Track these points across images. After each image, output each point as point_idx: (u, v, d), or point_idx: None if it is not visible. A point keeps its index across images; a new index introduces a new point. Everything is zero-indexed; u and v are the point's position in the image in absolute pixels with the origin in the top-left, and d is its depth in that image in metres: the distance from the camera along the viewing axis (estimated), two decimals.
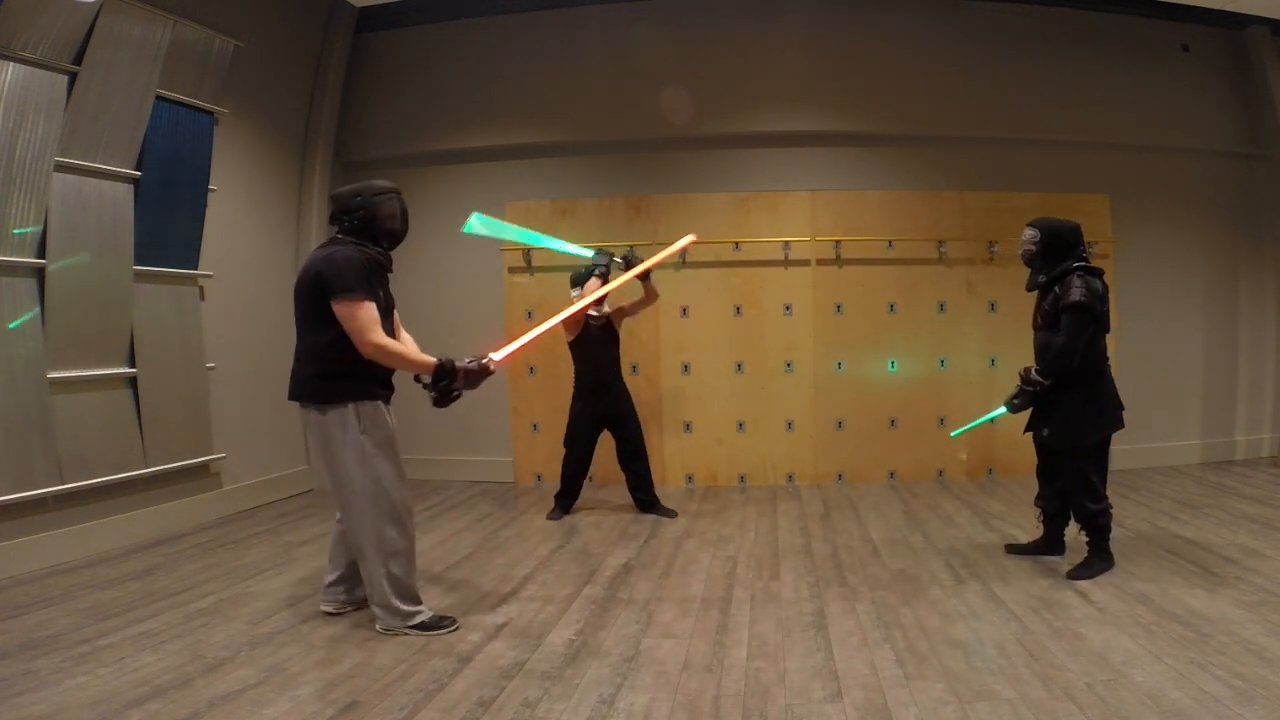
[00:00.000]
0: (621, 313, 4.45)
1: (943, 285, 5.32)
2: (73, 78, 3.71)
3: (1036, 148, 5.39)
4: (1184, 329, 5.58)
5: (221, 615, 2.98)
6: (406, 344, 2.81)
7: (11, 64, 3.47)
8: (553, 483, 4.92)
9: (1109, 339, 3.28)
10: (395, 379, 2.81)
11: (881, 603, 2.99)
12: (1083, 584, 3.10)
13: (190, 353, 4.45)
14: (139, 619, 2.93)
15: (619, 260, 4.22)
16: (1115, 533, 3.33)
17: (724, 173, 5.42)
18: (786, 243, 5.25)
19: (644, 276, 4.20)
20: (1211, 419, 5.64)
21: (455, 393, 2.68)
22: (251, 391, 4.87)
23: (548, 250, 5.21)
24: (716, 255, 5.28)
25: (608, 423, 4.43)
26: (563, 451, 4.50)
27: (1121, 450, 3.36)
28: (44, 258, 3.66)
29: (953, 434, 4.11)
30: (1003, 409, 3.42)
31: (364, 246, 2.70)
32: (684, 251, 5.16)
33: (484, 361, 2.70)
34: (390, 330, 2.76)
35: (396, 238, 2.81)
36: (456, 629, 2.79)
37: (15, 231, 3.54)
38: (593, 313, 4.25)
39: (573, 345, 4.37)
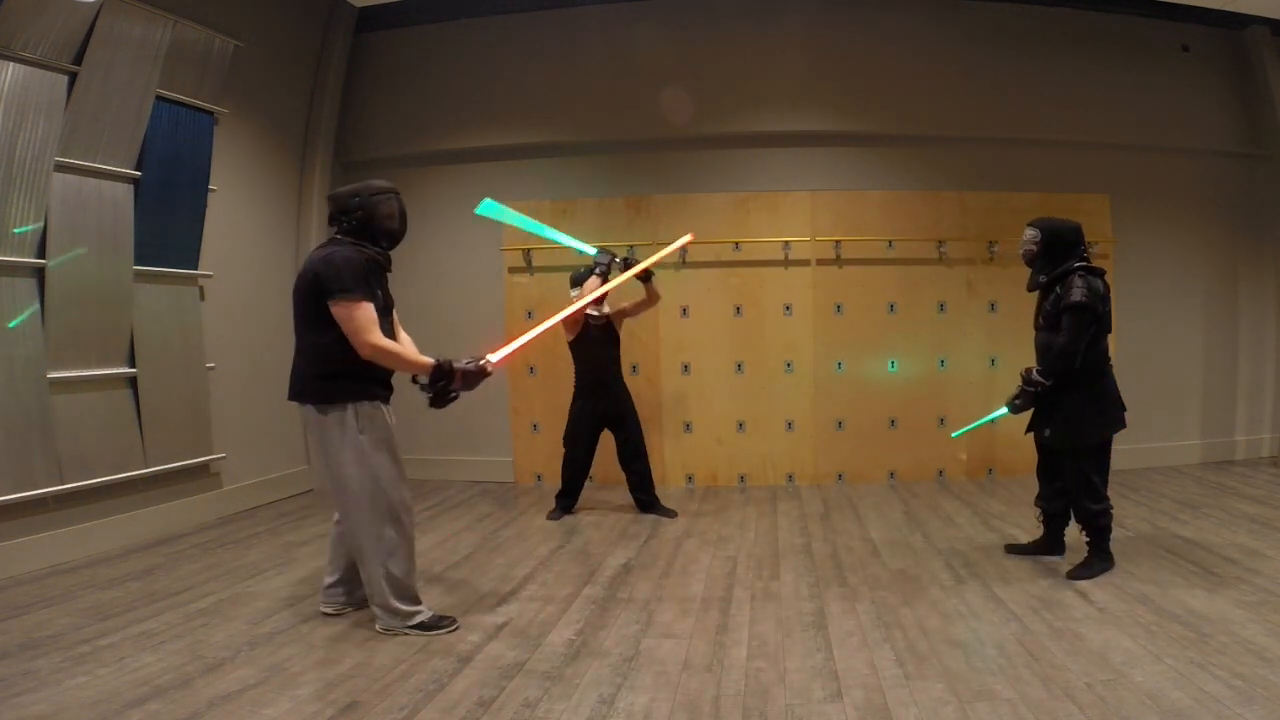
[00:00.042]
0: (623, 314, 4.45)
1: (943, 285, 5.32)
2: (73, 78, 3.71)
3: (1036, 148, 5.39)
4: (1184, 329, 5.58)
5: (221, 615, 2.98)
6: (405, 344, 2.81)
7: (11, 64, 3.47)
8: (553, 483, 4.93)
9: (1110, 339, 3.28)
10: (394, 379, 2.81)
11: (881, 603, 2.99)
12: (1083, 584, 3.10)
13: (190, 353, 4.45)
14: (139, 619, 2.94)
15: (619, 261, 4.23)
16: (1115, 533, 3.33)
17: (724, 173, 5.41)
18: (786, 243, 5.25)
19: (645, 278, 4.21)
20: (1211, 419, 5.64)
21: (452, 394, 2.68)
22: (251, 391, 4.87)
23: (548, 250, 5.28)
24: (716, 255, 5.28)
25: (608, 422, 4.43)
26: (563, 451, 4.51)
27: (1121, 450, 3.36)
28: (44, 257, 3.66)
29: (954, 435, 4.11)
30: (1004, 409, 3.42)
31: (363, 247, 2.70)
32: (683, 251, 5.21)
33: (481, 363, 2.70)
34: (389, 330, 2.76)
35: (395, 238, 2.81)
36: (456, 629, 2.79)
37: (15, 230, 3.54)
38: (592, 312, 4.25)
39: (573, 345, 4.37)
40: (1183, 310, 5.57)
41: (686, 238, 3.74)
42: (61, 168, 3.70)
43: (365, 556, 2.72)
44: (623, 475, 4.55)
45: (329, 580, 2.98)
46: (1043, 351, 3.27)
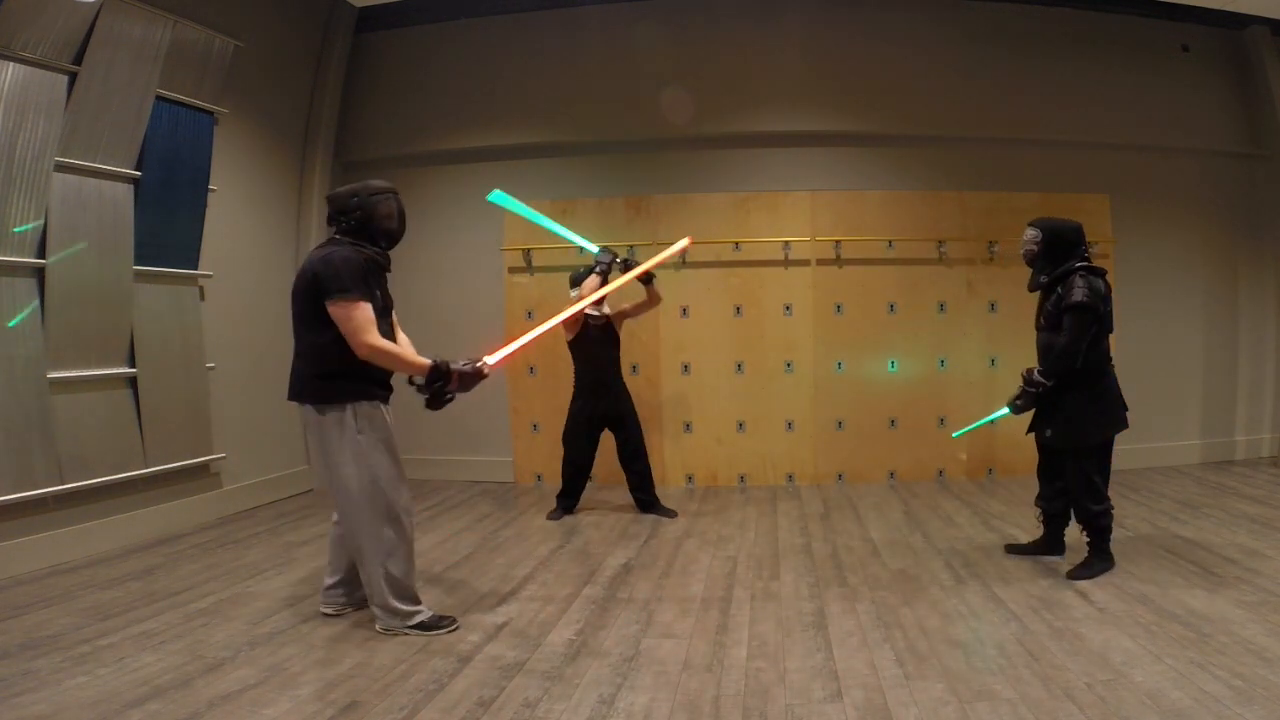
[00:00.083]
0: (623, 314, 4.45)
1: (943, 285, 5.32)
2: (73, 78, 3.71)
3: (1036, 148, 5.39)
4: (1184, 329, 5.58)
5: (221, 615, 2.98)
6: (403, 346, 2.81)
7: (11, 64, 3.47)
8: (553, 483, 4.93)
9: (1111, 339, 3.28)
10: (393, 379, 2.81)
11: (881, 603, 2.99)
12: (1083, 584, 3.10)
13: (190, 353, 4.45)
14: (139, 619, 2.93)
15: (620, 261, 4.23)
16: (1115, 533, 3.33)
17: (724, 173, 5.42)
18: (786, 243, 5.25)
19: (646, 280, 4.22)
20: (1211, 419, 5.64)
21: (448, 395, 2.68)
22: (251, 391, 4.87)
23: (548, 250, 5.29)
24: (716, 255, 5.28)
25: (607, 423, 4.43)
26: (563, 451, 4.51)
27: (1121, 450, 3.36)
28: (44, 257, 3.66)
29: (954, 435, 4.12)
30: (1005, 410, 3.42)
31: (362, 247, 2.70)
32: (683, 253, 5.22)
33: (478, 365, 2.70)
34: (389, 330, 2.76)
35: (394, 238, 2.81)
36: (456, 629, 2.79)
37: (16, 229, 3.54)
38: (592, 312, 4.25)
39: (572, 345, 4.37)
40: (1183, 310, 5.57)
41: (685, 241, 3.73)
42: (61, 168, 3.70)
43: (365, 557, 2.72)
44: (623, 475, 4.55)
45: (329, 581, 2.97)
46: (1044, 352, 3.26)
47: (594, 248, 4.19)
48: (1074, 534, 3.41)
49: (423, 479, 5.48)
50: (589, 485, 4.69)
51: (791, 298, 5.30)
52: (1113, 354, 3.31)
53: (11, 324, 3.52)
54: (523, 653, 2.59)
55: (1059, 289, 3.19)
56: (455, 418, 4.91)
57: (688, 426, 5.37)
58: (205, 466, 4.57)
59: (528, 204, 3.92)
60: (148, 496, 4.17)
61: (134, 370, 4.10)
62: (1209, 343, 5.61)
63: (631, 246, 5.13)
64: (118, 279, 4.01)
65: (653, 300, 4.38)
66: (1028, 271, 3.38)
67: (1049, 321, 3.24)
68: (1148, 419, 5.20)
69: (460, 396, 2.72)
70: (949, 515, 4.34)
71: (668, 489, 5.11)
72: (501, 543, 4.00)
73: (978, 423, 3.79)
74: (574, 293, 4.28)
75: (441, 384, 2.65)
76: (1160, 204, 5.50)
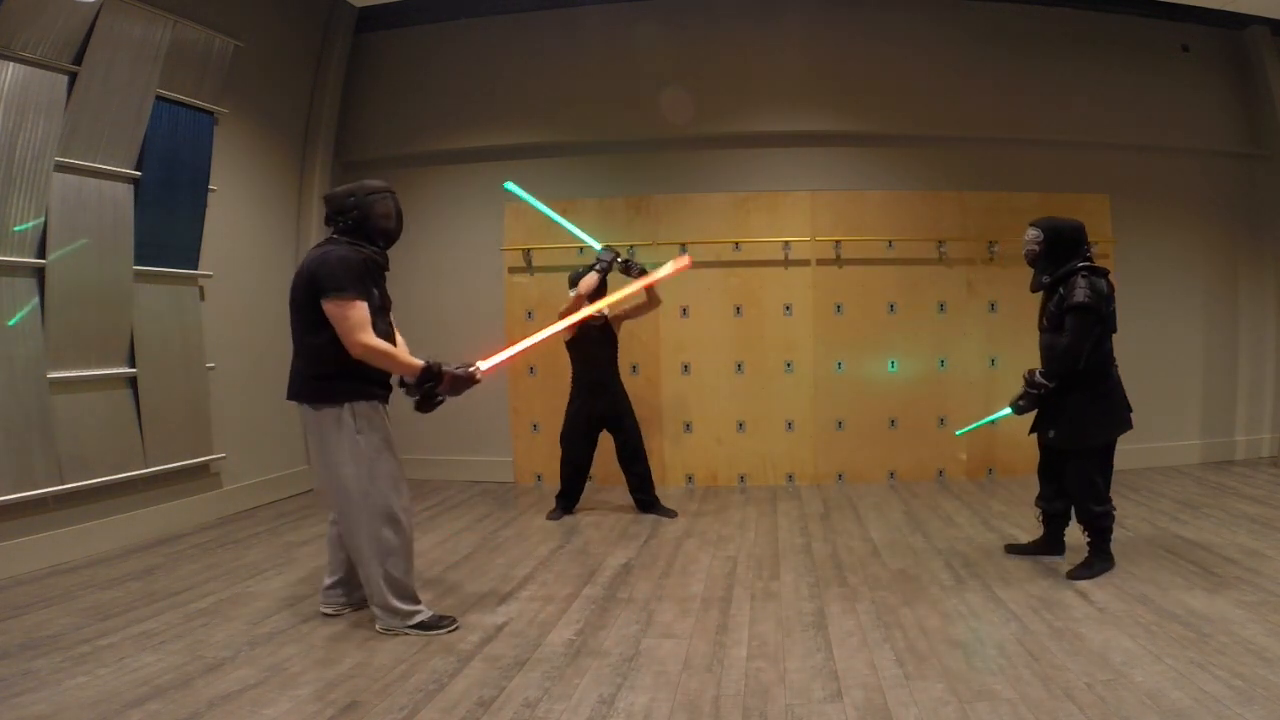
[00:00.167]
0: (622, 315, 4.45)
1: (943, 285, 5.32)
2: (73, 78, 3.71)
3: (1036, 148, 5.39)
4: (1184, 329, 5.58)
5: (221, 615, 2.98)
6: (400, 346, 2.81)
7: (11, 64, 3.47)
8: (553, 483, 4.93)
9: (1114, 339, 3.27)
10: (393, 379, 2.81)
11: (881, 603, 2.99)
12: (1083, 584, 3.10)
13: (190, 353, 4.45)
14: (139, 619, 2.93)
15: (620, 261, 4.24)
16: (1116, 533, 3.33)
17: (724, 173, 5.41)
18: (786, 243, 5.25)
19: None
20: (1211, 419, 5.64)
21: (439, 398, 2.68)
22: (251, 391, 4.87)
23: (548, 250, 5.29)
24: (716, 255, 5.28)
25: (605, 423, 4.42)
26: (561, 452, 4.50)
27: (1122, 450, 3.35)
28: (44, 257, 3.66)
29: (958, 432, 4.12)
30: (1008, 410, 3.41)
31: (359, 246, 2.70)
32: (683, 251, 5.22)
33: (471, 370, 2.70)
34: (388, 329, 2.77)
35: (391, 237, 2.81)
36: (456, 629, 2.79)
37: (16, 228, 3.54)
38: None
39: (570, 345, 4.37)
40: (1183, 310, 5.57)
41: (685, 261, 3.72)
42: (61, 168, 3.70)
43: (364, 557, 2.72)
44: (623, 476, 4.54)
45: (329, 581, 2.97)
46: (1046, 353, 3.25)
47: (597, 245, 4.21)
48: (1074, 534, 3.40)
49: (423, 479, 5.48)
50: (589, 485, 4.70)
51: (791, 298, 5.30)
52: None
53: (11, 323, 3.52)
54: (523, 653, 2.59)
55: (1061, 289, 3.18)
56: (455, 418, 4.93)
57: (688, 426, 5.37)
58: (205, 466, 4.57)
59: (527, 204, 3.93)
60: (148, 496, 4.17)
61: (134, 370, 4.10)
62: (1209, 343, 5.61)
63: (632, 246, 5.14)
64: (118, 279, 4.01)
65: (652, 302, 4.38)
66: (1028, 271, 3.37)
67: (1051, 322, 3.23)
68: (1148, 419, 5.17)
69: (451, 399, 2.72)
70: (949, 515, 4.34)
71: (668, 489, 5.11)
72: (501, 543, 4.00)
73: (981, 421, 3.79)
74: (573, 292, 4.27)
75: (432, 385, 2.65)
76: (1160, 204, 5.50)
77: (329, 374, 2.64)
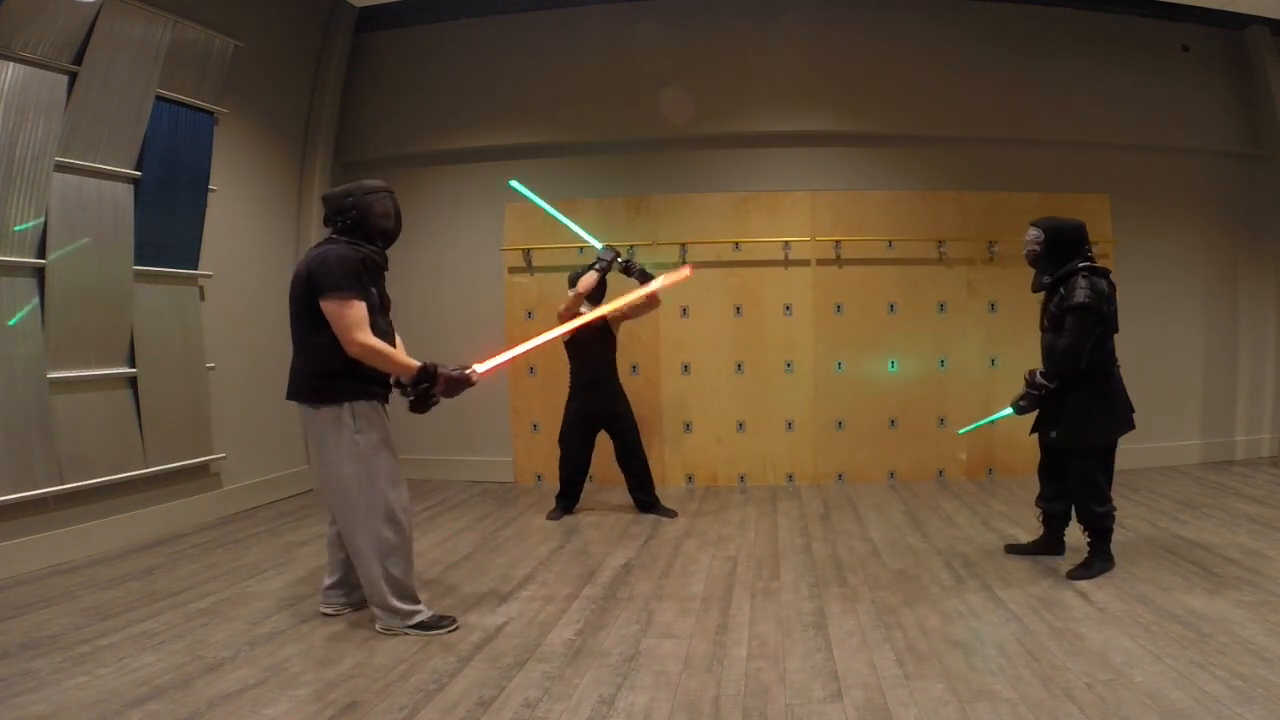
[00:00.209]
0: (621, 315, 4.44)
1: (943, 285, 5.32)
2: (73, 78, 3.71)
3: (1036, 148, 5.39)
4: (1184, 329, 5.58)
5: (221, 615, 2.98)
6: (398, 346, 2.81)
7: (11, 64, 3.47)
8: (553, 483, 4.93)
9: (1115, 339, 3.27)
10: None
11: (881, 603, 2.99)
12: (1083, 584, 3.10)
13: (190, 353, 4.45)
14: (139, 619, 2.93)
15: (620, 261, 4.24)
16: (1116, 533, 3.33)
17: (724, 173, 5.41)
18: (786, 243, 5.25)
19: (645, 283, 4.23)
20: (1211, 419, 5.64)
21: (433, 399, 2.68)
22: (251, 391, 4.87)
23: (548, 250, 5.29)
24: (716, 255, 5.28)
25: (603, 423, 4.42)
26: (560, 452, 4.50)
27: (1122, 450, 3.35)
28: (44, 257, 3.66)
29: (960, 431, 4.11)
30: (1009, 410, 3.41)
31: (358, 245, 2.70)
32: (683, 250, 5.22)
33: (467, 372, 2.70)
34: (388, 328, 2.77)
35: (390, 236, 2.81)
36: (456, 629, 2.79)
37: (16, 228, 3.54)
38: (585, 311, 4.23)
39: (568, 345, 4.37)
40: (1183, 310, 5.57)
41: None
42: (61, 168, 3.70)
43: (364, 556, 2.72)
44: (623, 475, 4.54)
45: (328, 581, 2.97)
46: (1048, 353, 3.25)
47: (598, 244, 4.23)
48: (1074, 534, 3.40)
49: (423, 479, 5.48)
50: (589, 485, 4.70)
51: (791, 298, 5.30)
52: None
53: (11, 323, 3.52)
54: (523, 653, 2.59)
55: (1062, 290, 3.18)
56: (455, 418, 4.93)
57: (688, 426, 5.37)
58: (205, 466, 4.57)
59: (528, 204, 3.93)
60: (148, 496, 4.17)
61: (134, 370, 4.10)
62: (1209, 343, 5.61)
63: (632, 246, 5.14)
64: (118, 279, 4.01)
65: (652, 303, 4.37)
66: (1028, 271, 3.37)
67: (1052, 323, 3.22)
68: (1148, 419, 5.14)
69: (446, 400, 2.72)
70: (949, 515, 4.34)
71: (668, 489, 5.11)
72: (501, 543, 4.00)
73: (983, 421, 3.79)
74: (572, 292, 4.28)
75: (427, 386, 2.65)
76: (1160, 204, 5.50)
77: (329, 373, 2.64)
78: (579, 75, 5.45)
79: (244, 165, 4.93)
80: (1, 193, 3.47)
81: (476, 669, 2.47)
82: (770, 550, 3.76)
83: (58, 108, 3.65)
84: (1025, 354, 3.53)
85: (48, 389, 3.65)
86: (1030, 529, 3.79)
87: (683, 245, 5.24)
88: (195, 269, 4.49)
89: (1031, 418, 3.41)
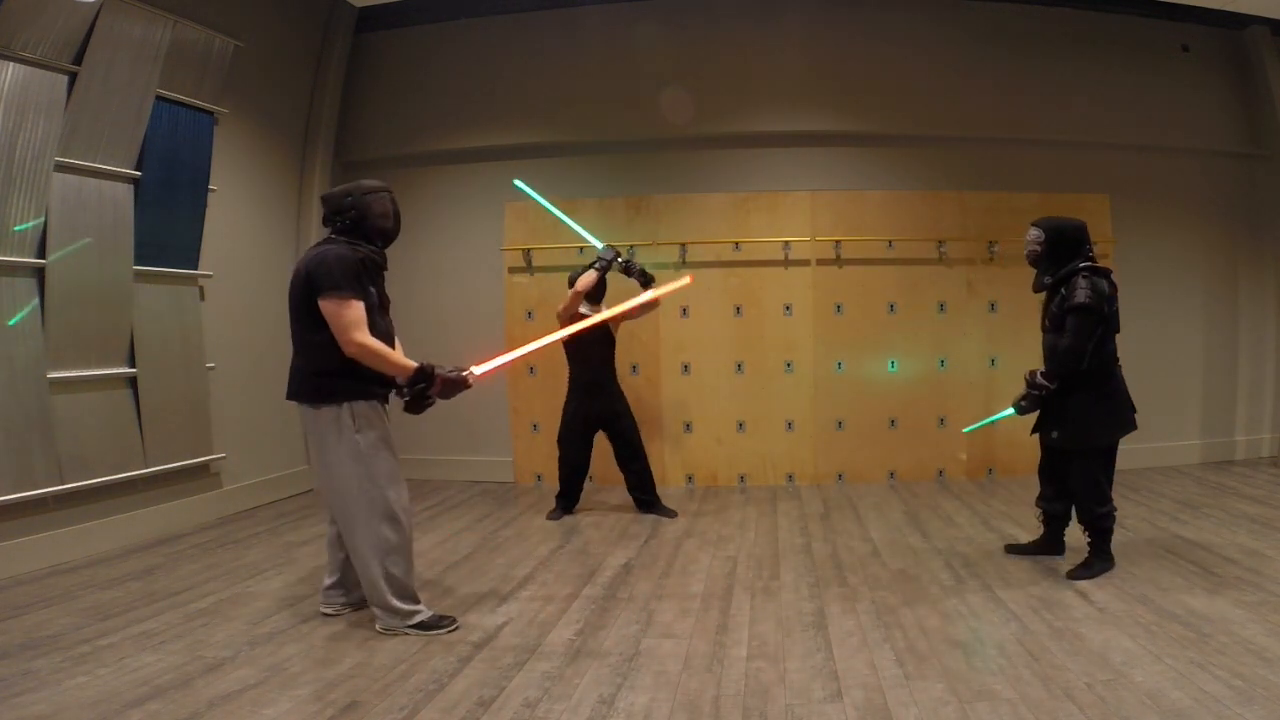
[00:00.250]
0: (620, 315, 4.44)
1: (943, 285, 5.32)
2: (73, 78, 3.71)
3: (1036, 148, 5.39)
4: (1184, 329, 5.58)
5: (221, 615, 2.98)
6: (396, 347, 2.81)
7: (11, 64, 3.46)
8: (553, 483, 4.92)
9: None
10: None
11: (881, 603, 2.99)
12: (1083, 584, 3.10)
13: (190, 353, 4.45)
14: (139, 619, 2.93)
15: (620, 261, 4.24)
16: (1116, 533, 3.33)
17: (724, 173, 5.41)
18: (786, 243, 5.25)
19: (645, 283, 4.25)
20: (1211, 419, 5.64)
21: (429, 400, 2.68)
22: (251, 391, 4.87)
23: (548, 250, 5.29)
24: (716, 255, 5.28)
25: (601, 423, 4.41)
26: (558, 453, 4.50)
27: (1122, 450, 3.35)
28: (44, 257, 3.66)
29: (965, 429, 4.10)
30: (1010, 410, 3.41)
31: (357, 245, 2.70)
32: (683, 250, 5.23)
33: (464, 374, 2.70)
34: (387, 328, 2.77)
35: (389, 236, 2.81)
36: (456, 629, 2.79)
37: (16, 228, 3.54)
38: (587, 311, 4.24)
39: (567, 345, 4.35)
40: (1183, 310, 5.57)
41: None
42: (61, 168, 3.70)
43: (364, 556, 2.72)
44: (623, 475, 4.54)
45: (328, 581, 2.97)
46: (1050, 353, 3.24)
47: (599, 244, 4.24)
48: (1074, 534, 3.40)
49: (423, 479, 5.48)
50: (589, 485, 4.70)
51: (791, 298, 5.30)
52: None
53: (11, 323, 3.52)
54: (523, 653, 2.59)
55: (1063, 290, 3.17)
56: (455, 418, 4.93)
57: (688, 427, 5.37)
58: (205, 466, 4.57)
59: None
60: (148, 496, 4.17)
61: (134, 370, 4.10)
62: (1209, 343, 5.61)
63: (632, 246, 5.14)
64: (118, 279, 4.01)
65: (650, 303, 4.37)
66: (1028, 271, 3.37)
67: (1053, 323, 3.22)
68: (1148, 419, 5.13)
69: (441, 401, 2.72)
70: (949, 515, 4.34)
71: (668, 489, 5.11)
72: (501, 543, 4.00)
73: (986, 420, 3.78)
74: (571, 291, 4.27)
75: (424, 387, 2.65)
76: (1160, 204, 5.50)
77: (328, 373, 2.64)
78: (579, 75, 5.45)
79: (244, 165, 4.93)
80: (1, 193, 3.47)
81: (476, 669, 2.47)
82: (770, 550, 3.76)
83: (58, 108, 3.65)
84: (1025, 354, 3.53)
85: (48, 389, 3.65)
86: (1030, 529, 3.79)
87: (683, 245, 5.24)
88: (195, 269, 4.49)
89: (1033, 418, 3.41)
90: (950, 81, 5.34)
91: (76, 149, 3.76)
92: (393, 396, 2.78)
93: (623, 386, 4.54)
